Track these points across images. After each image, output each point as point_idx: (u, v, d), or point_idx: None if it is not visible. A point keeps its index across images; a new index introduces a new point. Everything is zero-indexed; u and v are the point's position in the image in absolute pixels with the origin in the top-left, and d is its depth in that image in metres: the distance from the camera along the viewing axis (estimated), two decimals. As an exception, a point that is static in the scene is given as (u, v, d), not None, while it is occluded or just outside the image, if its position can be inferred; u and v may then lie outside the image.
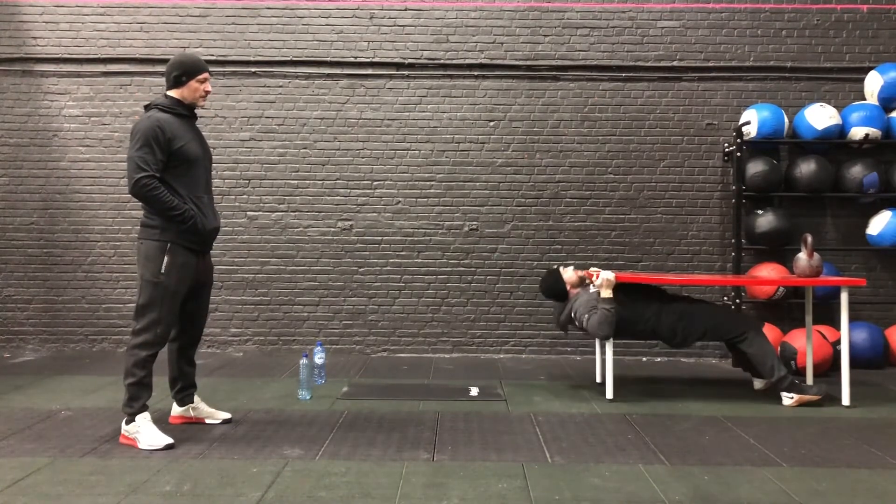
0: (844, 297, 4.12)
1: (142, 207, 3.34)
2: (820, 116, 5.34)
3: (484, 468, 3.02)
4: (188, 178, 3.33)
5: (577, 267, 4.49)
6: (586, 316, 4.13)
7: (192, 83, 3.39)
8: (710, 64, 5.71)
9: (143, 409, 3.30)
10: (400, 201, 5.75)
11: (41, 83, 5.76)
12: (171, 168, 3.30)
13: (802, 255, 4.28)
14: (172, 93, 3.40)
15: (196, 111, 3.51)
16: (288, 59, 5.74)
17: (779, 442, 3.42)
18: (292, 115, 5.76)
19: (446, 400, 4.19)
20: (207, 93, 3.46)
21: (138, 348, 3.26)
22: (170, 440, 3.25)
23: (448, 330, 5.72)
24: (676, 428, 3.65)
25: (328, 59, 5.74)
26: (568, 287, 4.35)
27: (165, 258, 3.26)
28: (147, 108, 3.39)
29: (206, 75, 3.43)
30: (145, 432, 3.25)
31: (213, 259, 4.03)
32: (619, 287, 4.19)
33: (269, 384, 4.60)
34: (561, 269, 4.41)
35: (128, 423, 3.29)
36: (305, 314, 5.72)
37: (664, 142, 5.73)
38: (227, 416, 3.68)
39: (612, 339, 4.16)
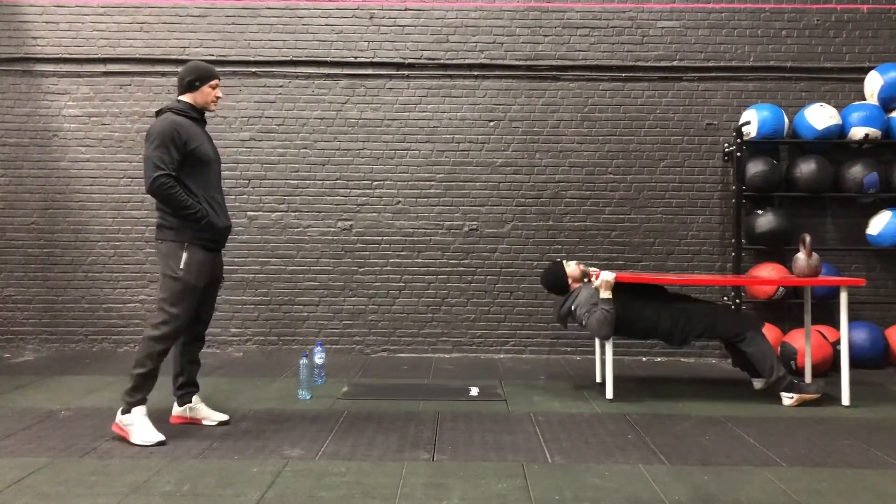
0: (844, 297, 4.12)
1: (157, 208, 3.45)
2: (820, 116, 5.34)
3: (484, 468, 3.02)
4: (203, 178, 3.49)
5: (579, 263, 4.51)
6: (587, 314, 4.15)
7: (206, 88, 3.57)
8: (710, 64, 5.71)
9: (142, 401, 3.36)
10: (400, 201, 5.75)
11: (41, 83, 5.76)
12: (187, 168, 3.44)
13: (801, 255, 4.28)
14: (185, 97, 3.57)
15: (205, 115, 3.67)
16: (288, 59, 5.74)
17: (779, 442, 3.43)
18: (292, 115, 5.76)
19: (446, 400, 4.20)
20: (218, 98, 3.64)
21: (154, 341, 3.34)
22: (162, 437, 3.31)
23: (448, 330, 5.72)
24: (676, 428, 3.65)
25: (328, 59, 5.74)
26: (570, 281, 4.38)
27: (184, 256, 3.39)
28: (159, 112, 3.52)
29: (217, 81, 3.62)
30: (139, 427, 3.31)
31: (213, 259, 4.05)
32: (620, 287, 4.20)
33: (269, 384, 4.60)
34: (564, 262, 4.44)
35: (124, 412, 3.35)
36: (305, 314, 5.72)
37: (664, 142, 5.73)
38: (225, 417, 3.68)
39: (612, 339, 4.17)
